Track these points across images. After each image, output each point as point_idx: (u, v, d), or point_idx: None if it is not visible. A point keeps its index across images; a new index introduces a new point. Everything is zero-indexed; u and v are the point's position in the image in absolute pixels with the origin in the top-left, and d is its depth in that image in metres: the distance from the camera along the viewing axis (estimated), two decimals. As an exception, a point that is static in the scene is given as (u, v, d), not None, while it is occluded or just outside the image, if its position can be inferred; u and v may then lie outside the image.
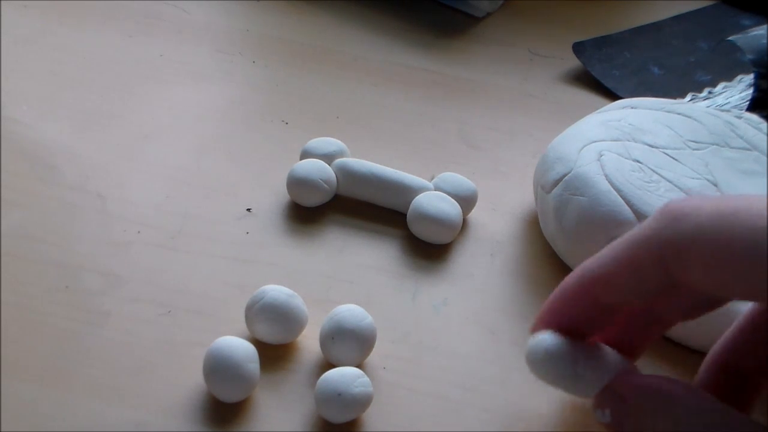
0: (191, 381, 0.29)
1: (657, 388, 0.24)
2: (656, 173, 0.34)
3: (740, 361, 0.26)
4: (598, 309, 0.26)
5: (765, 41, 0.41)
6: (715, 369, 0.27)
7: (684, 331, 0.31)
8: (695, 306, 0.26)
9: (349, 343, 0.30)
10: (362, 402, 0.28)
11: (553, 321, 0.27)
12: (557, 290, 0.27)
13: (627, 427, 0.25)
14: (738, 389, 0.26)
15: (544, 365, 0.26)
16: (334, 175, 0.37)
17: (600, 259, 0.25)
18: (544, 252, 0.36)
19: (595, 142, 0.35)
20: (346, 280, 0.34)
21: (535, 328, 0.27)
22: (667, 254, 0.23)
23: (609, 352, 0.27)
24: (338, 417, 0.28)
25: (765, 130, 0.37)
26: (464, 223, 0.36)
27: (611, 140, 0.35)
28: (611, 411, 0.25)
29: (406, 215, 0.36)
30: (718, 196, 0.23)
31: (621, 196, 0.32)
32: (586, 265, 0.26)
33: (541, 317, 0.27)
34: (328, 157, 0.37)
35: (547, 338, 0.26)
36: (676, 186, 0.33)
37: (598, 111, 0.38)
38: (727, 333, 0.27)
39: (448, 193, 0.36)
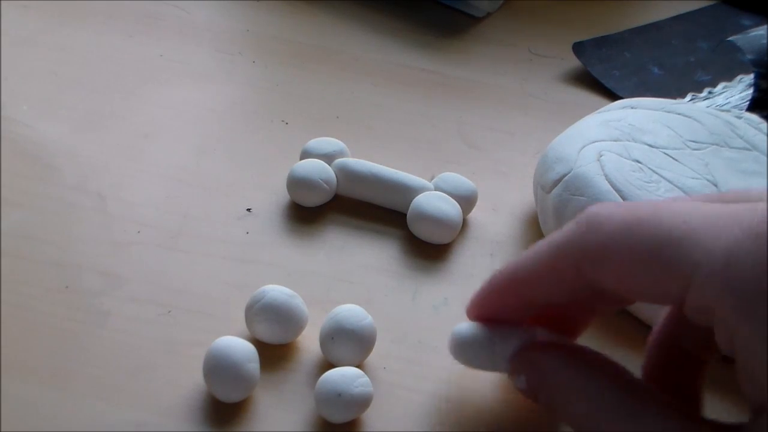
0: (191, 381, 0.29)
1: (571, 355, 0.25)
2: (656, 173, 0.34)
3: (678, 340, 0.27)
4: (523, 304, 0.27)
5: (765, 41, 0.41)
6: (657, 348, 0.27)
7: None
8: (619, 301, 0.27)
9: (349, 343, 0.30)
10: (362, 402, 0.28)
11: (480, 315, 0.28)
12: (485, 286, 0.28)
13: (541, 397, 0.26)
14: (682, 366, 0.27)
15: (459, 351, 0.28)
16: (334, 175, 0.37)
17: (524, 259, 0.26)
18: (544, 252, 0.36)
19: (595, 142, 0.35)
20: (346, 280, 0.34)
21: (468, 318, 0.29)
22: (581, 262, 0.24)
23: (535, 330, 0.28)
24: (338, 417, 0.28)
25: (765, 130, 0.37)
26: (464, 223, 0.36)
27: (611, 140, 0.35)
28: (526, 378, 0.26)
29: (406, 215, 0.36)
30: (633, 203, 0.24)
31: (621, 196, 0.32)
32: (512, 263, 0.27)
33: (468, 311, 0.28)
34: (328, 157, 0.37)
35: (462, 327, 0.28)
36: (676, 186, 0.33)
37: (598, 111, 0.38)
38: (664, 312, 0.28)
39: (448, 193, 0.36)
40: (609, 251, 0.23)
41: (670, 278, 0.22)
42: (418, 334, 0.32)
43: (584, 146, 0.35)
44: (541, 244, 0.26)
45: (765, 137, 0.36)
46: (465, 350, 0.28)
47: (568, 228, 0.24)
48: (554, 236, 0.25)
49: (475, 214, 0.37)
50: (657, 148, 0.35)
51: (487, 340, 0.28)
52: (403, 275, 0.34)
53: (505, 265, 0.27)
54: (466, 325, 0.28)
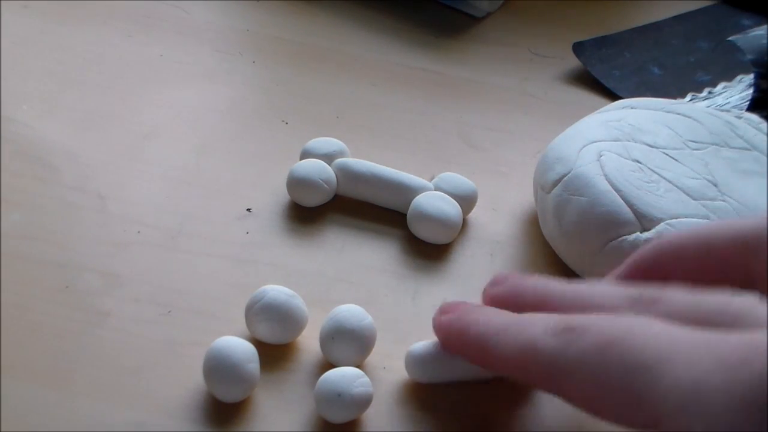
0: (191, 381, 0.29)
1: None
2: (656, 173, 0.34)
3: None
4: (489, 366, 0.27)
5: (765, 41, 0.41)
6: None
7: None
8: None
9: (349, 343, 0.30)
10: (362, 402, 0.28)
11: (443, 340, 0.29)
12: (457, 324, 0.28)
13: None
14: None
15: (411, 369, 0.30)
16: (334, 175, 0.37)
17: (499, 336, 0.26)
18: (544, 252, 0.36)
19: (595, 142, 0.35)
20: (346, 280, 0.34)
21: (438, 331, 0.29)
22: (552, 374, 0.23)
23: None
24: (338, 417, 0.28)
25: (765, 130, 0.37)
26: (464, 223, 0.36)
27: (611, 140, 0.35)
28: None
29: (406, 215, 0.36)
30: (609, 317, 0.23)
31: (621, 197, 0.32)
32: (488, 326, 0.26)
33: (437, 329, 0.29)
34: (328, 157, 0.37)
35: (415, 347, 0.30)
36: (675, 186, 0.33)
37: (598, 111, 0.38)
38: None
39: (448, 193, 0.36)
40: (578, 373, 0.22)
41: (637, 410, 0.21)
42: (418, 334, 0.32)
43: (584, 146, 0.35)
44: (517, 333, 0.25)
45: (765, 137, 0.36)
46: (423, 366, 0.29)
47: (548, 332, 0.24)
48: (530, 332, 0.24)
49: (475, 214, 0.37)
50: (657, 148, 0.35)
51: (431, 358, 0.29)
52: (403, 275, 0.34)
53: (480, 319, 0.27)
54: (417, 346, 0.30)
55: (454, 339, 0.28)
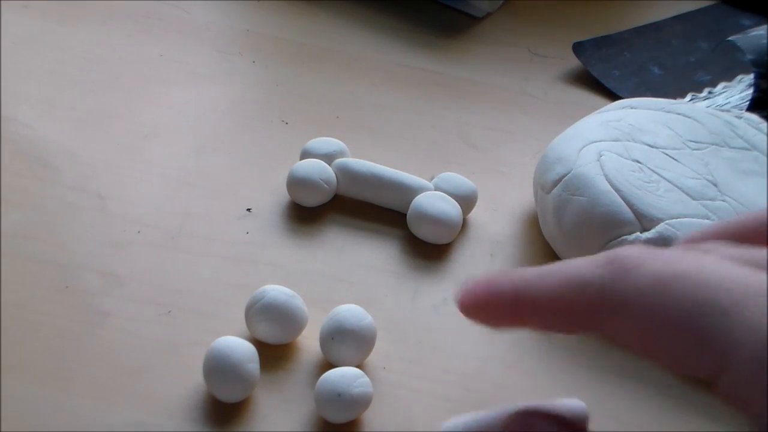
0: (191, 381, 0.29)
1: None
2: (656, 173, 0.34)
3: None
4: (520, 321, 0.24)
5: (765, 41, 0.41)
6: None
7: None
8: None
9: (349, 343, 0.30)
10: (362, 402, 0.28)
11: (471, 308, 0.25)
12: (487, 285, 0.25)
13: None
14: None
15: None
16: (334, 175, 0.37)
17: (535, 280, 0.24)
18: (544, 252, 0.36)
19: (595, 142, 0.35)
20: (346, 280, 0.34)
21: (464, 302, 0.25)
22: (600, 308, 0.21)
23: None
24: (338, 417, 0.28)
25: (765, 130, 0.37)
26: (464, 223, 0.36)
27: (611, 140, 0.35)
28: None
29: (406, 215, 0.36)
30: (670, 252, 0.21)
31: (620, 196, 0.32)
32: (520, 279, 0.24)
33: (463, 302, 0.25)
34: (328, 157, 0.37)
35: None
36: (675, 186, 0.33)
37: (598, 111, 0.38)
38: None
39: (448, 193, 0.36)
40: (633, 307, 0.20)
41: (702, 353, 0.19)
42: (418, 334, 0.32)
43: (584, 146, 0.35)
44: (557, 272, 0.23)
45: (765, 137, 0.36)
46: None
47: (592, 264, 0.22)
48: (576, 269, 0.22)
49: (475, 214, 0.37)
50: (657, 148, 0.35)
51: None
52: (403, 275, 0.34)
53: (512, 276, 0.24)
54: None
55: (482, 297, 0.25)
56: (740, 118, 0.37)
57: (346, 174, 0.37)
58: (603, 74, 0.46)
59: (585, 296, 0.22)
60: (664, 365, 0.21)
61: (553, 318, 0.23)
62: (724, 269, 0.20)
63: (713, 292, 0.19)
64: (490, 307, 0.25)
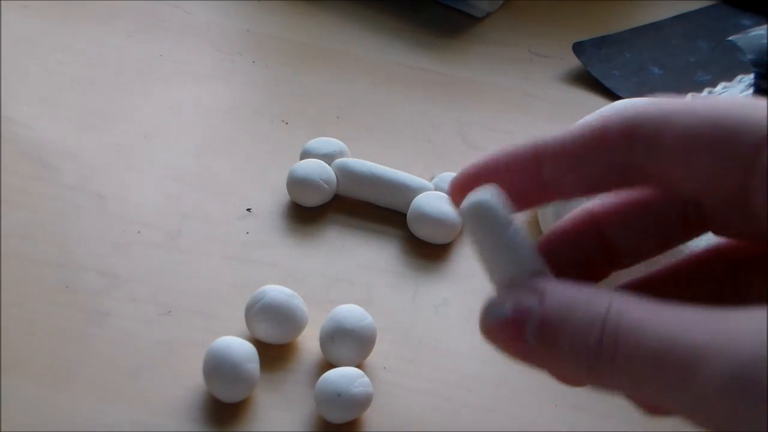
0: (191, 381, 0.29)
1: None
2: (656, 173, 0.33)
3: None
4: (535, 183, 0.23)
5: (765, 41, 0.41)
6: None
7: None
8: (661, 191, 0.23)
9: (349, 343, 0.30)
10: (362, 402, 0.28)
11: (482, 178, 0.23)
12: (501, 151, 0.23)
13: (531, 334, 0.21)
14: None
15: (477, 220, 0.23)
16: (334, 175, 0.37)
17: (558, 134, 0.23)
18: (544, 252, 0.36)
19: (595, 142, 0.35)
20: (346, 280, 0.34)
21: (462, 181, 0.24)
22: (635, 132, 0.21)
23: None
24: (338, 417, 0.28)
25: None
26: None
27: (611, 140, 0.35)
28: (515, 306, 0.22)
29: (406, 215, 0.36)
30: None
31: (621, 196, 0.32)
32: (538, 137, 0.23)
33: (453, 186, 0.24)
34: (328, 157, 0.37)
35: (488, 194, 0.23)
36: (676, 186, 0.33)
37: (598, 111, 0.38)
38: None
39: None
40: (669, 123, 0.20)
41: (730, 158, 0.19)
42: (418, 334, 0.32)
43: (584, 146, 0.35)
44: (583, 120, 0.23)
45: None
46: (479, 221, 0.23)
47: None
48: (600, 113, 0.22)
49: (475, 214, 0.37)
50: (657, 148, 0.35)
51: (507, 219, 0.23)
52: (403, 275, 0.34)
53: (532, 138, 0.23)
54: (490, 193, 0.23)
55: (502, 162, 0.24)
56: (740, 118, 0.37)
57: (346, 174, 0.37)
58: (603, 74, 0.46)
59: (621, 123, 0.21)
60: (695, 194, 0.20)
61: (582, 164, 0.23)
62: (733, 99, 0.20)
63: (733, 107, 0.19)
64: (515, 173, 0.24)
